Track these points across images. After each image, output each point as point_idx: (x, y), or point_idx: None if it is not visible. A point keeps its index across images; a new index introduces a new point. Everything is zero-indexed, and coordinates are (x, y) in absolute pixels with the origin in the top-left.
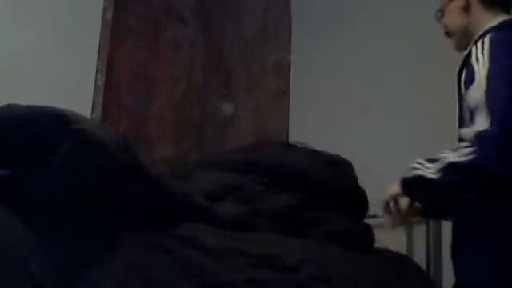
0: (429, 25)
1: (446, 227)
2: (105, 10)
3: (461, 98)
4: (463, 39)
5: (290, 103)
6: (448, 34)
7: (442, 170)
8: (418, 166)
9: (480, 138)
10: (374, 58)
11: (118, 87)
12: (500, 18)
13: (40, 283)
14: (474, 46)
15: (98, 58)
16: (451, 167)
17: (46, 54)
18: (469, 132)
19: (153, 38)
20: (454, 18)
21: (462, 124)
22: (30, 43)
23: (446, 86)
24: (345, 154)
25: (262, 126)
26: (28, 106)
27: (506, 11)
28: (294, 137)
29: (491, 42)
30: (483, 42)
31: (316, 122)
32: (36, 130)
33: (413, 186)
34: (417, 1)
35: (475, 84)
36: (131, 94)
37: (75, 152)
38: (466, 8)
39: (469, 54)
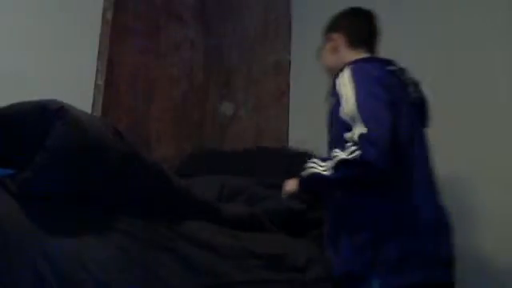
0: (430, 25)
1: None
2: (105, 10)
3: (330, 113)
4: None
5: (290, 103)
6: (326, 70)
7: (334, 167)
8: (313, 164)
9: (361, 140)
10: None
11: (117, 87)
12: (362, 56)
13: (48, 282)
14: (338, 76)
15: (98, 58)
16: (342, 164)
17: (45, 54)
18: (351, 135)
19: (153, 37)
20: (327, 58)
21: (330, 130)
22: (30, 43)
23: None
24: None
25: (262, 126)
26: (12, 104)
27: (370, 51)
28: (294, 137)
29: (351, 70)
30: (344, 72)
31: (316, 122)
32: (27, 124)
33: (310, 182)
34: (416, 1)
35: (346, 103)
36: (131, 94)
37: (66, 132)
38: (336, 50)
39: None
